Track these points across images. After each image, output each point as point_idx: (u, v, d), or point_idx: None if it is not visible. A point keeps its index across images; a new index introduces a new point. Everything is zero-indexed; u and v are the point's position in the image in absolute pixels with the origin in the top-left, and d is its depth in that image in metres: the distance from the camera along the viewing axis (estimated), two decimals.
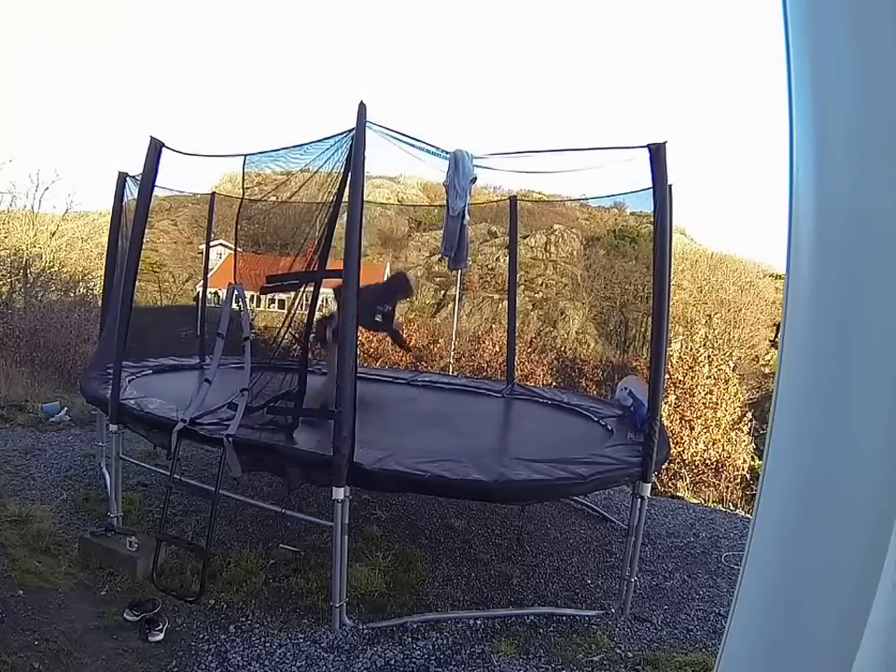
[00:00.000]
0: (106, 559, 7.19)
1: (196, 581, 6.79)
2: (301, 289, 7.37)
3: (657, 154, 6.66)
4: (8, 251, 28.19)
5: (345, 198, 6.52)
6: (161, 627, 6.05)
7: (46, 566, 6.97)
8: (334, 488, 6.23)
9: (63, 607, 6.31)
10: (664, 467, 15.77)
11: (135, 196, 8.47)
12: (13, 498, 8.57)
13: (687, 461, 19.11)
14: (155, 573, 6.87)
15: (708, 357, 21.49)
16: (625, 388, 9.31)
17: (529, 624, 6.72)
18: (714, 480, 18.69)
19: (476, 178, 8.36)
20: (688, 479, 17.90)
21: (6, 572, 6.63)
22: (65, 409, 13.76)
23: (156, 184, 8.11)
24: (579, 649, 6.28)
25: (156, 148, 7.75)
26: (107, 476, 8.97)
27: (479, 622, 6.68)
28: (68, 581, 6.80)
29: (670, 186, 6.87)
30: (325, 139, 6.85)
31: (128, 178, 10.13)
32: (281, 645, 6.03)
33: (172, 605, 6.55)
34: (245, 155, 7.58)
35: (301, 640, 6.14)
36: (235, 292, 7.61)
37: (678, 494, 14.97)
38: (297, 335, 7.78)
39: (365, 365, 18.94)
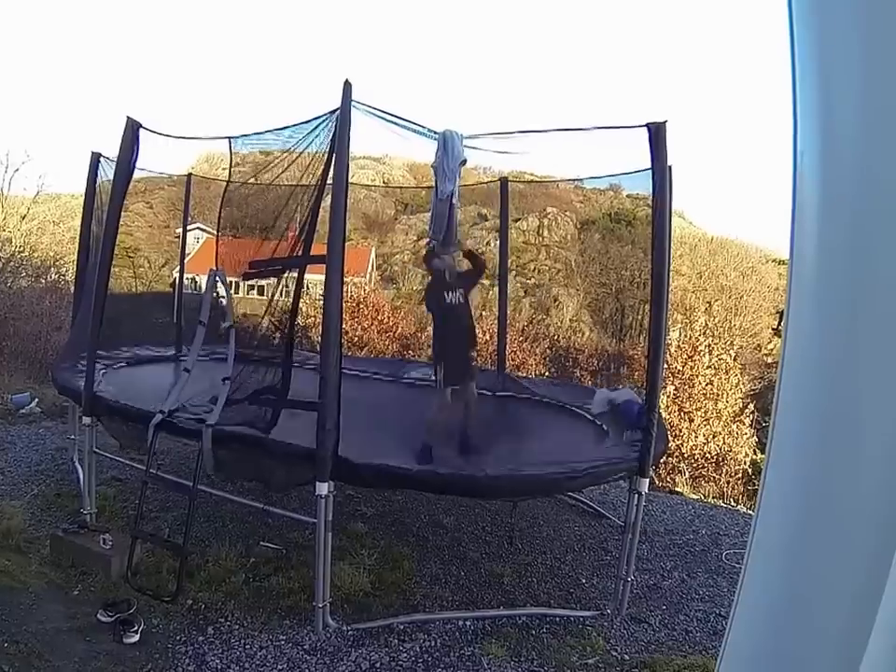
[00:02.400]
0: (79, 557, 7.19)
1: (173, 580, 6.78)
2: (285, 276, 7.33)
3: (657, 134, 6.64)
4: None
5: (329, 180, 6.49)
6: (136, 629, 6.04)
7: (16, 564, 6.97)
8: (318, 483, 6.22)
9: (35, 607, 6.30)
10: (662, 461, 15.78)
11: (109, 178, 8.43)
12: None
13: (686, 455, 19.14)
14: (130, 572, 6.87)
15: (708, 345, 21.50)
16: (610, 400, 9.27)
17: (521, 626, 6.73)
18: (714, 474, 18.73)
19: (466, 160, 8.33)
20: (687, 473, 17.94)
21: None
22: (36, 400, 13.75)
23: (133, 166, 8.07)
24: (573, 651, 6.29)
25: (133, 129, 7.70)
26: (80, 470, 8.96)
27: (468, 623, 6.69)
28: (39, 581, 6.79)
29: (670, 167, 6.85)
30: (310, 120, 6.83)
31: (101, 159, 10.07)
32: (262, 647, 6.03)
33: (147, 605, 6.55)
34: (230, 137, 7.57)
35: (283, 642, 6.14)
36: (216, 278, 7.59)
37: (676, 489, 15.02)
38: (280, 324, 7.75)
39: (349, 355, 18.90)
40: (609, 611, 7.06)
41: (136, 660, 5.74)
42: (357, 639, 6.28)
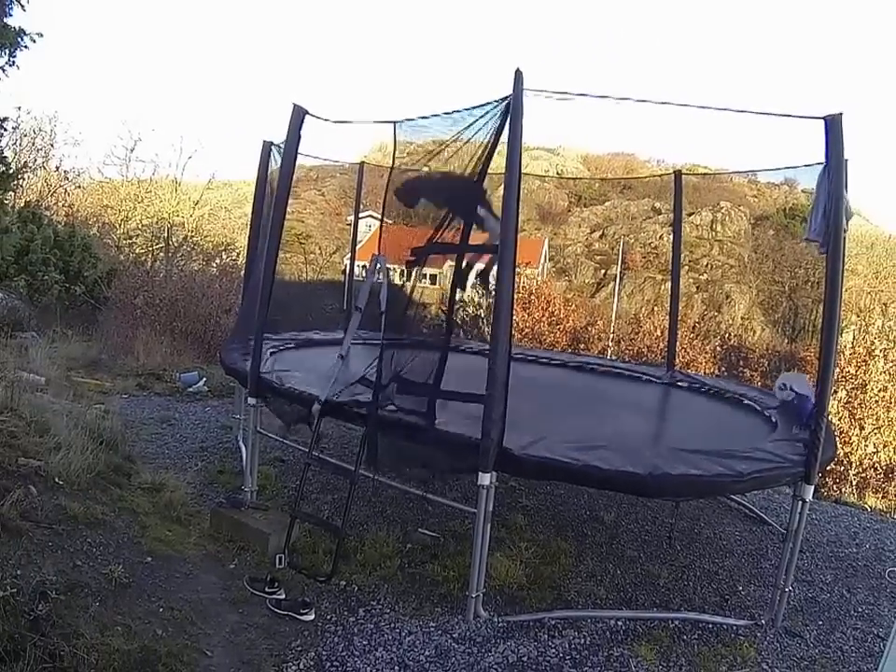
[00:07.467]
0: (238, 533, 7.40)
1: (328, 560, 6.91)
2: (447, 263, 7.34)
3: (832, 127, 6.46)
4: (151, 219, 29.06)
5: (501, 169, 6.46)
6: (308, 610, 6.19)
7: (176, 535, 7.20)
8: (480, 473, 6.21)
9: (191, 577, 6.51)
10: (828, 468, 15.44)
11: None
12: (147, 466, 8.87)
13: (854, 463, 18.62)
14: (287, 550, 7.02)
15: (884, 350, 20.85)
16: (785, 385, 9.07)
17: (673, 630, 6.61)
18: (884, 486, 18.19)
19: None
20: (854, 483, 17.49)
21: (136, 538, 6.84)
22: (204, 379, 14.28)
23: (301, 153, 8.36)
24: (723, 661, 6.15)
25: (299, 115, 7.92)
26: (244, 449, 9.22)
27: (620, 622, 6.61)
28: (197, 552, 7.01)
29: (846, 161, 6.68)
30: (478, 106, 6.80)
31: (273, 147, 10.44)
32: (410, 632, 6.07)
33: (301, 583, 6.70)
34: (395, 122, 7.61)
35: (433, 629, 6.16)
36: (378, 264, 7.66)
37: (842, 499, 14.66)
38: (442, 311, 7.78)
39: (520, 345, 18.98)
40: (763, 622, 6.88)
41: (286, 634, 5.88)
42: (506, 631, 6.26)
